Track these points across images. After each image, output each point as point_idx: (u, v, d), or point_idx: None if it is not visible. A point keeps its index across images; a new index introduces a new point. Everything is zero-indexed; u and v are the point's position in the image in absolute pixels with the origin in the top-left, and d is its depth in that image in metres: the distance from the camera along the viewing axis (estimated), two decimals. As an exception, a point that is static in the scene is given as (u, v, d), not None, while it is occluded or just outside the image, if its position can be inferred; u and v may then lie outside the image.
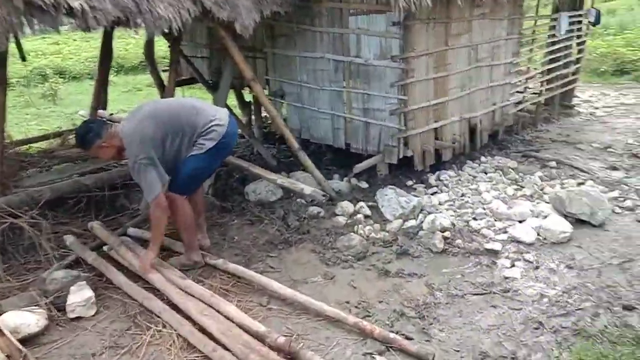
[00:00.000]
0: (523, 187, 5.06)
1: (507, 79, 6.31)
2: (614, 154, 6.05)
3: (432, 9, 4.75)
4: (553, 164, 5.73)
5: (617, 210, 4.49)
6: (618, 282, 3.40)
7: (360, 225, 4.34)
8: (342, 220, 4.48)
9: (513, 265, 3.71)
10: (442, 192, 5.03)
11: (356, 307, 3.28)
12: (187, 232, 3.59)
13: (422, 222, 4.30)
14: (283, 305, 3.29)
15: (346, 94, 5.22)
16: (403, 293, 3.42)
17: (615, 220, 4.29)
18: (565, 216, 4.27)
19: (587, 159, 5.94)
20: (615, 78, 10.79)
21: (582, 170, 5.50)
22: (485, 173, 5.45)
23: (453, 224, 4.24)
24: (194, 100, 3.94)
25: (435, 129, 5.37)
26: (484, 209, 4.54)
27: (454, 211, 4.57)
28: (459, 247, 3.94)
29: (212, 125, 3.36)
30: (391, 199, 4.60)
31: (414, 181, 5.30)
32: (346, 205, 4.65)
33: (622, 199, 4.71)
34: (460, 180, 5.29)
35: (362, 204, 4.69)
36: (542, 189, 4.97)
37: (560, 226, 4.02)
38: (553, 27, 7.19)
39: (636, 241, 3.94)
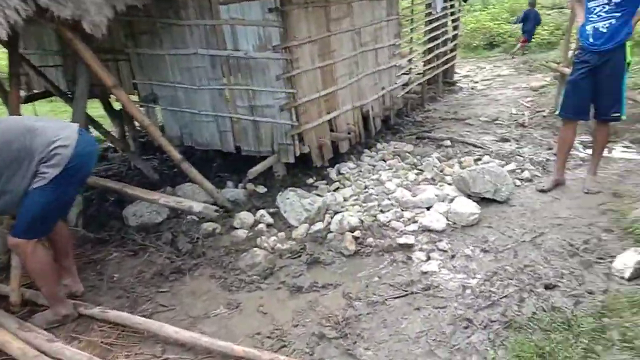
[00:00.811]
0: (423, 171, 4.92)
1: (392, 61, 6.17)
2: (502, 126, 6.18)
3: (309, -8, 4.40)
4: (447, 142, 5.70)
5: (517, 182, 4.48)
6: (534, 260, 3.29)
7: (263, 237, 3.88)
8: (242, 234, 3.99)
9: (429, 258, 3.47)
10: (345, 186, 4.73)
11: (269, 337, 2.83)
12: (45, 283, 2.88)
13: (329, 223, 3.95)
14: (182, 351, 2.74)
15: (229, 92, 4.71)
16: (320, 310, 3.02)
17: (518, 194, 4.26)
18: (470, 196, 4.16)
19: (479, 134, 5.99)
20: (487, 52, 11.35)
21: (476, 146, 5.51)
22: (384, 161, 5.25)
23: (361, 221, 3.93)
24: (34, 119, 3.19)
25: (329, 120, 5.05)
26: (389, 199, 4.30)
27: (360, 206, 4.28)
28: (371, 246, 3.64)
29: (53, 149, 2.67)
30: (293, 202, 4.19)
31: (315, 178, 4.94)
32: (245, 216, 4.16)
33: (519, 170, 4.73)
34: (361, 171, 5.03)
35: (262, 212, 4.23)
36: (442, 171, 4.86)
37: (468, 208, 3.87)
38: (429, 5, 7.20)
39: (542, 213, 3.91)
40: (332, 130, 5.12)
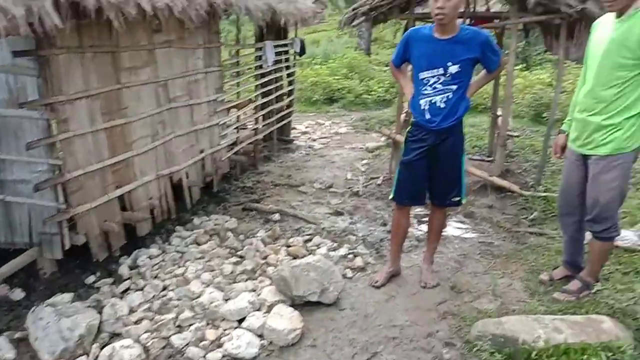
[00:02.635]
0: (244, 258, 4.01)
1: (214, 119, 5.27)
2: (336, 195, 5.58)
3: (86, 33, 3.33)
4: (276, 216, 4.90)
5: (349, 274, 3.78)
6: (366, 402, 2.52)
7: (-13, 389, 2.58)
8: (-44, 381, 2.64)
9: (231, 410, 2.51)
10: (137, 287, 3.60)
11: None
12: None
13: (97, 357, 2.79)
14: None
15: (-35, 162, 3.35)
16: None
17: (348, 291, 3.53)
18: (293, 299, 3.33)
19: (312, 204, 5.31)
20: (327, 106, 11.10)
21: (307, 221, 4.78)
22: (198, 244, 4.24)
23: (146, 350, 2.85)
24: None
25: (121, 197, 3.91)
26: (192, 307, 3.28)
27: (151, 321, 3.18)
28: (150, 398, 2.56)
29: None
30: (49, 325, 2.94)
31: (98, 275, 3.74)
32: (-33, 351, 2.81)
33: (351, 255, 4.06)
34: (164, 262, 3.94)
35: (1, 340, 2.91)
36: (265, 258, 4.00)
37: (289, 322, 3.01)
38: (260, 58, 6.52)
39: (376, 319, 3.20)
40: (125, 209, 3.98)
